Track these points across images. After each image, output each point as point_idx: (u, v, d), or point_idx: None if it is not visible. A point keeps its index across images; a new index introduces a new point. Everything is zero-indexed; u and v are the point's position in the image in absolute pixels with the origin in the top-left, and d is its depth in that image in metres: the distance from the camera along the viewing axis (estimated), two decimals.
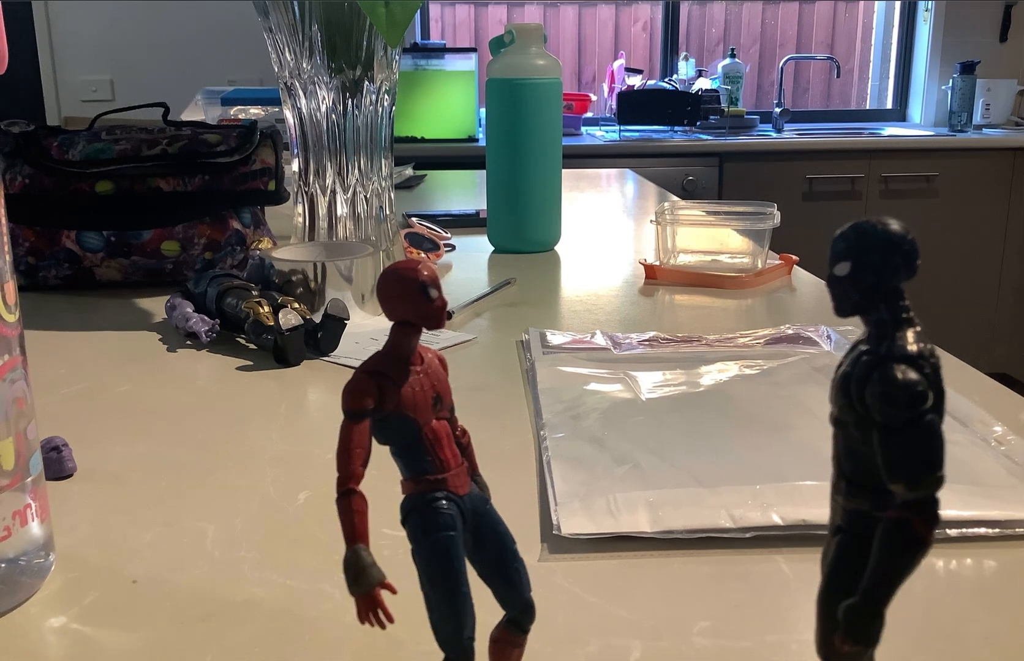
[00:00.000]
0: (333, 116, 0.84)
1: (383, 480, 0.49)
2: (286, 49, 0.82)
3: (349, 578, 0.25)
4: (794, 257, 0.96)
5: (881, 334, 0.24)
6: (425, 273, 0.26)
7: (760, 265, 0.95)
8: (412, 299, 0.26)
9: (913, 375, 0.22)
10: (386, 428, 0.27)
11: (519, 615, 0.29)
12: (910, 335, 0.23)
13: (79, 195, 0.88)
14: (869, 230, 0.23)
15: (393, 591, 0.25)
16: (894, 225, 0.23)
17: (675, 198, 1.49)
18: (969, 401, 0.55)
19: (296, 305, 0.70)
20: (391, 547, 0.42)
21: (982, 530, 0.42)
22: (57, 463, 0.49)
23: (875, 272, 0.23)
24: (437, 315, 0.26)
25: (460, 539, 0.27)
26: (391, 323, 0.27)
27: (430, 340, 0.71)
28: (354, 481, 0.26)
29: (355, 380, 0.26)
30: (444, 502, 0.27)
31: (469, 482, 0.28)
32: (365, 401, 0.26)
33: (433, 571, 0.26)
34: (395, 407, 0.26)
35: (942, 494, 0.41)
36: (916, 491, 0.23)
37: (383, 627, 0.25)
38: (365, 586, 0.25)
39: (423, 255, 1.01)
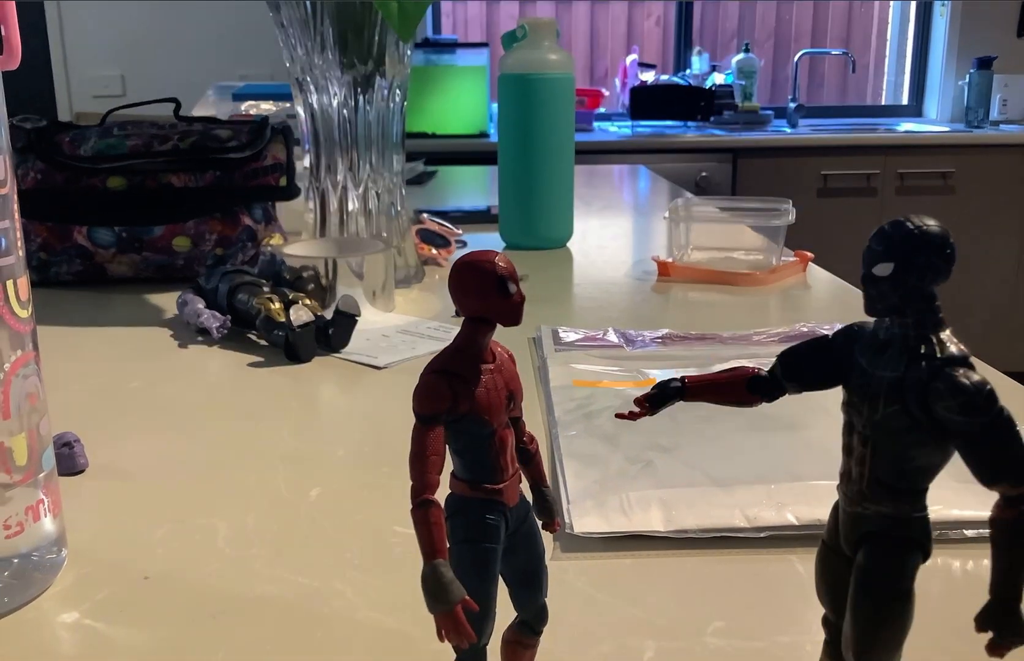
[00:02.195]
0: (345, 111, 0.84)
1: (396, 477, 0.49)
2: (298, 44, 0.82)
3: (429, 595, 0.23)
4: (809, 254, 0.95)
5: (922, 336, 0.24)
6: (502, 265, 0.24)
7: (774, 262, 0.94)
8: (488, 294, 0.24)
9: (976, 377, 0.23)
10: (457, 431, 0.25)
11: (532, 618, 0.29)
12: (951, 336, 0.24)
13: (91, 191, 0.89)
14: (914, 232, 0.23)
15: (474, 608, 0.23)
16: (936, 227, 0.23)
17: (688, 194, 1.49)
18: None
19: (307, 301, 0.70)
20: (402, 545, 0.41)
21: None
22: (69, 459, 0.49)
23: (919, 275, 0.23)
24: (515, 312, 0.24)
25: (500, 551, 0.26)
26: (403, 319, 0.26)
27: (439, 336, 0.71)
28: (430, 491, 0.24)
29: (427, 382, 0.24)
30: (493, 514, 0.26)
31: (519, 492, 0.27)
32: (439, 404, 0.24)
33: (467, 578, 0.25)
34: (469, 409, 0.25)
35: (957, 495, 0.41)
36: (1022, 486, 0.23)
37: (464, 647, 0.23)
38: (446, 604, 0.23)
39: (434, 251, 1.00)
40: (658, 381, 0.28)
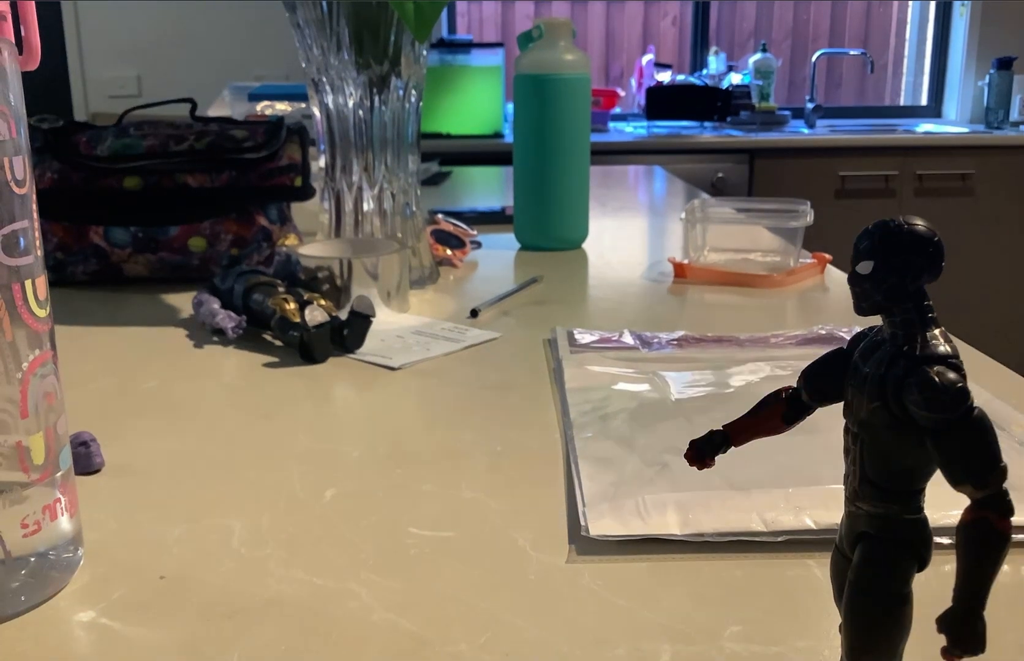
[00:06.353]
0: (360, 112, 0.84)
1: (411, 478, 0.49)
2: (314, 45, 0.82)
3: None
4: (827, 256, 0.95)
5: (908, 334, 0.24)
6: None
7: (792, 264, 0.94)
8: None
9: (951, 375, 0.22)
10: None
11: None
12: (939, 335, 0.23)
13: (107, 191, 0.89)
14: (895, 230, 0.23)
15: None
16: (920, 226, 0.23)
17: (705, 195, 1.48)
18: (1007, 404, 0.54)
19: (322, 302, 0.70)
20: (417, 547, 0.41)
21: (1019, 537, 0.41)
22: (85, 458, 0.49)
23: (898, 273, 0.23)
24: None
25: None
26: (417, 320, 0.26)
27: (453, 337, 0.71)
28: None
29: None
30: None
31: None
32: None
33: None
34: None
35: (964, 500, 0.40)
36: (984, 489, 0.22)
37: None
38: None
39: (448, 252, 1.00)
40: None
